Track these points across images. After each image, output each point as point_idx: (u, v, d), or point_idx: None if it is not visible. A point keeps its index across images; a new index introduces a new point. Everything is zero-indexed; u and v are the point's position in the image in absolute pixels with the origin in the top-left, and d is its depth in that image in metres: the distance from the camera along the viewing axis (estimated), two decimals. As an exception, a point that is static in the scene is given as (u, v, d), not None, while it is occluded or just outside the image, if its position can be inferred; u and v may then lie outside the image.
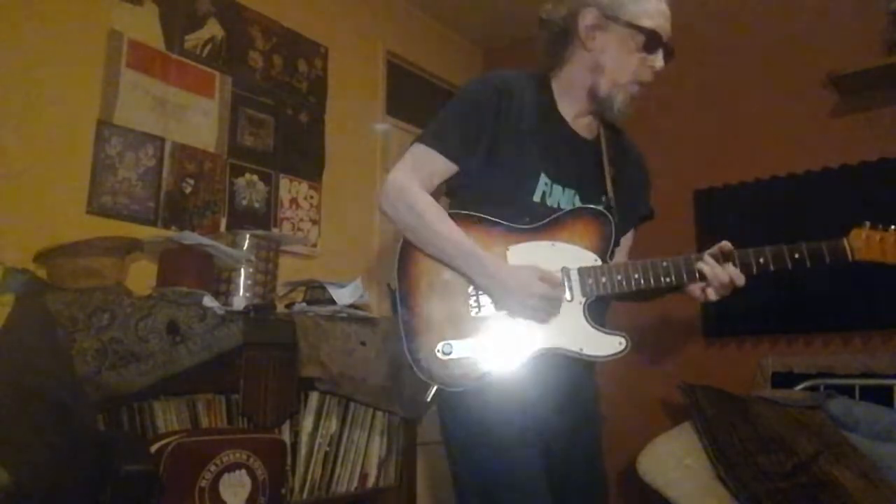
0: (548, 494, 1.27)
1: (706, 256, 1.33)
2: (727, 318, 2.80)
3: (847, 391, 2.42)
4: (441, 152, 1.35)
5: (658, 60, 1.35)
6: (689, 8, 3.11)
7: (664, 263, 1.34)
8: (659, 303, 3.11)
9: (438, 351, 1.29)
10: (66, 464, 1.46)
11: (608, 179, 1.41)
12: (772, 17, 2.88)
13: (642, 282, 1.32)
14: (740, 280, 1.33)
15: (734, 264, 1.33)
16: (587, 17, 1.35)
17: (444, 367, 1.28)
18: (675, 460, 2.17)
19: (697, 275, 1.33)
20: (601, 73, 1.37)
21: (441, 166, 1.36)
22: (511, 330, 1.30)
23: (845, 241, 1.36)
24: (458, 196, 1.43)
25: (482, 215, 1.35)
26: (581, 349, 1.29)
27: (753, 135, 2.84)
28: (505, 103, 1.37)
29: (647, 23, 1.32)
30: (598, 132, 1.48)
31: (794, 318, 2.63)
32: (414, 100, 3.41)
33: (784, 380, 2.59)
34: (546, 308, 1.28)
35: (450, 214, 1.34)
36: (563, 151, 1.41)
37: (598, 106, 1.41)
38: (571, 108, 1.43)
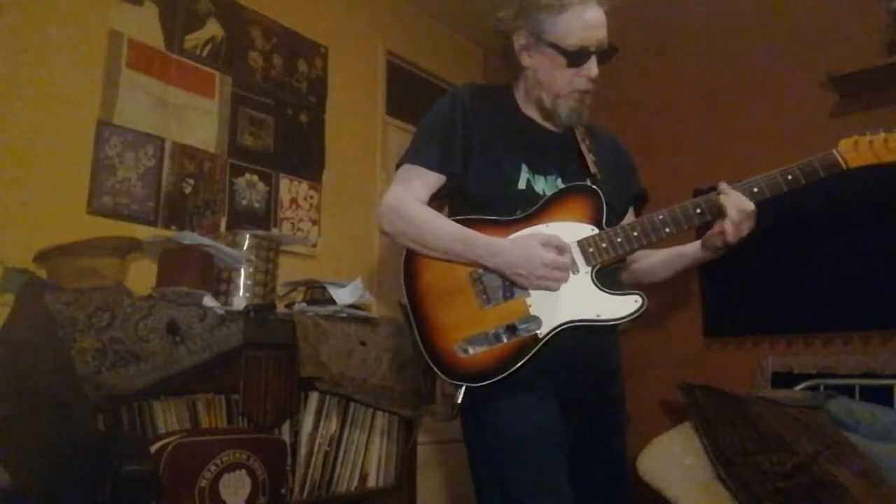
0: (568, 494, 1.28)
1: (722, 185, 1.35)
2: (727, 318, 2.80)
3: (847, 391, 2.42)
4: (424, 166, 1.41)
5: (591, 70, 1.38)
6: (690, 8, 3.13)
7: (660, 216, 1.37)
8: (659, 303, 3.11)
9: (457, 351, 1.30)
10: (66, 464, 1.46)
11: (589, 162, 1.44)
12: (772, 17, 2.88)
13: (643, 239, 1.35)
14: (749, 206, 1.33)
15: None
16: (520, 38, 1.42)
17: (466, 365, 1.30)
18: (675, 460, 2.17)
19: (710, 214, 1.34)
20: (541, 86, 1.43)
21: (428, 179, 1.41)
22: (524, 314, 1.31)
23: (835, 152, 1.35)
24: (452, 204, 1.48)
25: (475, 216, 1.38)
26: (598, 315, 1.31)
27: (753, 134, 2.84)
28: (472, 111, 1.43)
29: (570, 41, 1.35)
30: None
31: (794, 318, 2.63)
32: (414, 100, 3.41)
33: (784, 380, 2.59)
34: (555, 276, 1.29)
35: None
36: (539, 144, 1.46)
37: (546, 116, 1.46)
38: (533, 113, 1.49)
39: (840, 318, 2.54)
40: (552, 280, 1.29)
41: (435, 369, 1.31)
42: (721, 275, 2.80)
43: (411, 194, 1.40)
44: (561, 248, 1.30)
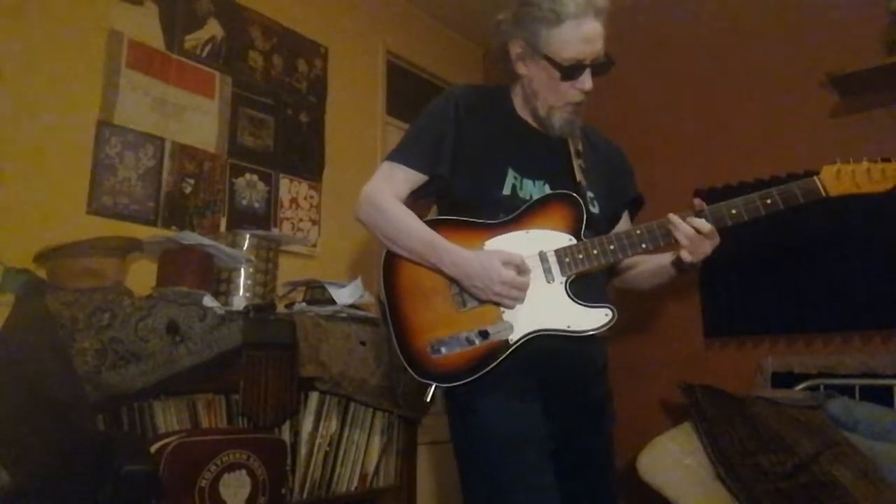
0: (556, 494, 1.29)
1: (670, 215, 1.36)
2: (727, 318, 2.80)
3: (847, 391, 2.42)
4: (406, 165, 1.43)
5: (585, 83, 1.38)
6: (690, 8, 3.13)
7: (637, 231, 1.38)
8: (659, 303, 3.10)
9: (429, 350, 1.32)
10: (66, 464, 1.46)
11: (576, 169, 1.45)
12: (772, 17, 2.88)
13: (619, 253, 1.36)
14: (705, 227, 1.34)
15: (707, 220, 1.35)
16: (515, 47, 1.42)
17: (438, 365, 1.32)
18: (675, 460, 2.17)
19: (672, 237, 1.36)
20: (535, 96, 1.43)
21: (409, 177, 1.43)
22: (497, 319, 1.33)
23: (817, 179, 1.36)
24: (440, 204, 1.50)
25: (457, 218, 1.40)
26: (567, 326, 1.33)
27: (753, 135, 2.84)
28: (465, 112, 1.44)
29: (565, 54, 1.35)
30: None
31: (794, 318, 2.63)
32: (414, 100, 3.41)
33: (784, 380, 2.59)
34: (512, 294, 1.30)
35: (428, 222, 1.39)
36: (529, 148, 1.46)
37: (541, 124, 1.46)
38: (529, 117, 1.50)
39: (840, 318, 2.54)
40: (507, 298, 1.31)
41: (407, 367, 1.33)
42: (721, 275, 2.80)
43: (391, 189, 1.42)
44: (521, 269, 1.32)
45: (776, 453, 2.09)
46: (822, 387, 2.47)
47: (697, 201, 1.37)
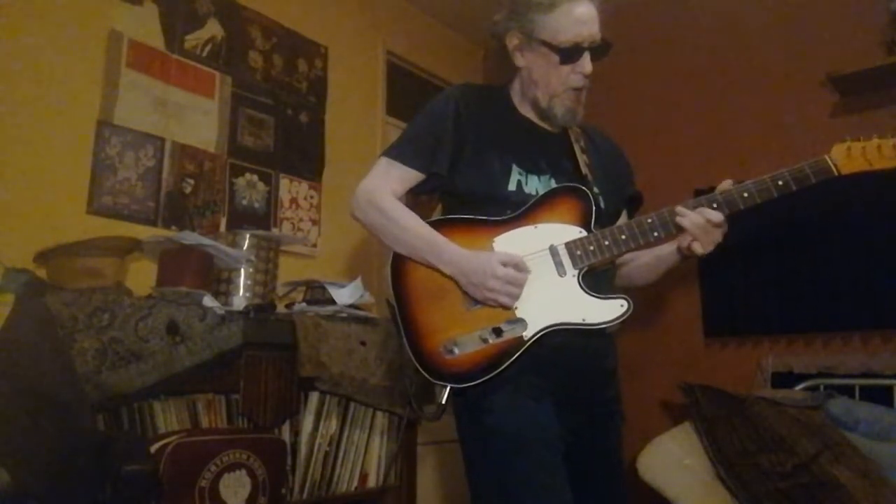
0: (567, 494, 1.28)
1: (678, 207, 1.34)
2: (727, 318, 2.80)
3: (847, 391, 2.42)
4: (403, 163, 1.42)
5: (585, 66, 1.38)
6: (690, 8, 3.13)
7: (649, 220, 1.36)
8: (659, 303, 3.10)
9: (442, 351, 1.30)
10: (66, 464, 1.46)
11: (581, 164, 1.44)
12: (772, 17, 2.88)
13: (631, 242, 1.35)
14: (717, 217, 1.32)
15: (716, 206, 1.33)
16: (512, 39, 1.43)
17: (451, 365, 1.30)
18: (675, 460, 2.17)
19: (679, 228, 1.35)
20: (536, 86, 1.43)
21: (405, 175, 1.42)
22: (510, 316, 1.32)
23: (828, 158, 1.33)
24: (445, 203, 1.49)
25: (465, 216, 1.39)
26: (583, 319, 1.31)
27: (753, 134, 2.85)
28: (464, 111, 1.43)
29: (562, 38, 1.35)
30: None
31: (794, 318, 2.63)
32: (414, 100, 3.41)
33: (784, 380, 2.59)
34: (506, 289, 1.29)
35: (435, 221, 1.38)
36: (532, 144, 1.46)
37: (542, 115, 1.46)
38: (529, 113, 1.49)
39: (840, 318, 2.54)
40: (503, 294, 1.28)
41: (420, 369, 1.31)
42: (721, 275, 2.80)
43: (388, 186, 1.41)
44: (519, 267, 1.30)
45: (776, 453, 2.09)
46: (822, 387, 2.48)
47: (679, 208, 1.35)
